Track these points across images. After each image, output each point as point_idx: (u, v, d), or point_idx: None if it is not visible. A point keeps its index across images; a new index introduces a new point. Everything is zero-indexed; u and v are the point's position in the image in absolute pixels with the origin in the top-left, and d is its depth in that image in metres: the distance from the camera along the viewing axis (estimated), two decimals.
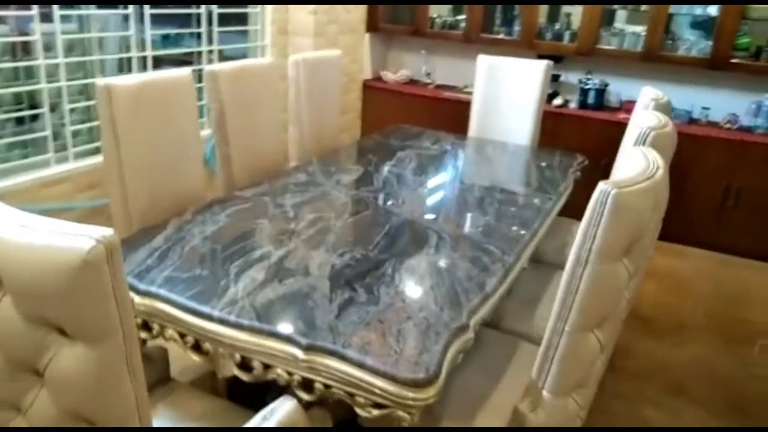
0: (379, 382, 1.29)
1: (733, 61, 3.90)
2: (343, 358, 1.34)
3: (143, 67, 3.12)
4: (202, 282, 1.60)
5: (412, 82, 5.00)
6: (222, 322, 1.45)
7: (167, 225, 1.92)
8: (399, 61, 5.21)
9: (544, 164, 2.93)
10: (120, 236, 2.09)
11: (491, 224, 2.12)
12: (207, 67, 2.42)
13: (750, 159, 3.81)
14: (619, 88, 4.50)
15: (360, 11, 4.68)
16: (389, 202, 2.25)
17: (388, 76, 4.97)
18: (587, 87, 4.44)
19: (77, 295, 0.86)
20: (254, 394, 1.59)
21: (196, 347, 1.53)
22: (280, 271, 1.67)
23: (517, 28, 4.53)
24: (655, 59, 4.08)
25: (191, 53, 3.57)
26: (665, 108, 2.41)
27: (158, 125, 2.13)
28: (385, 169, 2.66)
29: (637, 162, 1.47)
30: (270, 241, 1.86)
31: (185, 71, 2.24)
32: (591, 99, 4.45)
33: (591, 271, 1.34)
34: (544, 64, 3.46)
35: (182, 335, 1.54)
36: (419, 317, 1.49)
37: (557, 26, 4.47)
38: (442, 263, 1.79)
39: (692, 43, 4.08)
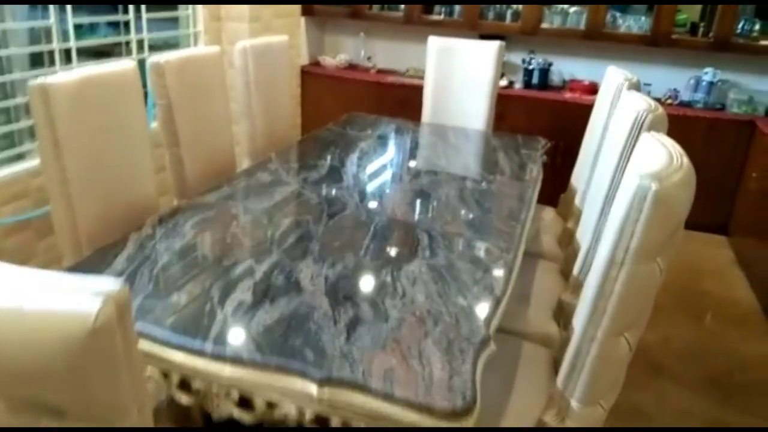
0: (412, 415, 1.14)
1: (673, 37, 3.95)
2: (366, 390, 1.18)
3: (67, 62, 2.78)
4: (182, 310, 1.39)
5: (351, 66, 4.81)
6: (217, 358, 1.25)
7: (127, 242, 1.68)
8: (336, 45, 5.00)
9: (510, 149, 2.84)
10: (69, 254, 1.85)
11: (478, 218, 1.99)
12: (152, 59, 2.15)
13: (691, 134, 3.88)
14: (561, 66, 4.49)
15: None
16: (366, 200, 2.08)
17: (327, 60, 4.75)
18: (531, 67, 4.40)
19: (81, 372, 0.66)
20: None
21: (183, 385, 1.33)
22: (269, 290, 1.48)
23: (458, 8, 4.42)
24: (598, 37, 4.08)
25: (116, 44, 3.23)
26: (636, 88, 2.35)
27: (103, 127, 1.87)
28: (351, 162, 2.48)
29: (657, 151, 1.37)
30: (248, 253, 1.66)
31: (129, 64, 1.98)
32: (535, 79, 4.42)
33: (627, 272, 1.25)
34: (496, 45, 3.37)
35: (165, 374, 1.33)
36: (436, 333, 1.35)
37: (499, 6, 4.39)
38: (442, 267, 1.65)
39: (634, 20, 4.10)
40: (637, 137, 1.72)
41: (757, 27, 3.93)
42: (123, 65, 1.96)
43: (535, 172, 2.51)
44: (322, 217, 1.93)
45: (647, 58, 4.26)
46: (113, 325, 0.65)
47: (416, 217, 1.98)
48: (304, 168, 2.40)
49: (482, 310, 1.45)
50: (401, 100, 4.43)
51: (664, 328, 2.88)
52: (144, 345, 1.30)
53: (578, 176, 2.65)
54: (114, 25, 3.23)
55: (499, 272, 1.64)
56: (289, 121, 3.07)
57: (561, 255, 2.35)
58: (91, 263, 1.58)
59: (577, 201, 2.55)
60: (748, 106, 3.93)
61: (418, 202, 2.12)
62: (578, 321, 1.38)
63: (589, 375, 1.35)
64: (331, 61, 4.75)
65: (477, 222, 1.96)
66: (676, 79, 4.21)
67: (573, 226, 2.52)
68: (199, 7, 3.64)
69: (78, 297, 0.64)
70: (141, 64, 3.27)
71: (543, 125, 4.18)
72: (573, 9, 4.21)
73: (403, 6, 4.47)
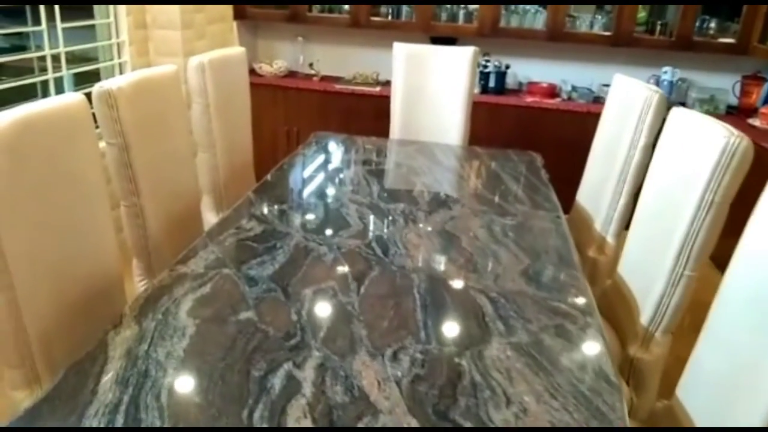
0: None
1: (635, 36, 3.81)
2: None
3: None
4: None
5: (291, 74, 4.35)
6: None
7: (107, 351, 1.21)
8: (271, 51, 4.53)
9: (510, 169, 2.54)
10: (17, 373, 1.32)
11: (531, 267, 1.67)
12: (99, 87, 1.65)
13: None
14: (517, 69, 4.26)
15: None
16: (389, 252, 1.70)
17: (264, 68, 4.27)
18: (487, 70, 4.14)
19: None
20: None
21: None
22: (331, 412, 1.08)
23: (405, 8, 4.08)
24: (560, 38, 3.88)
25: (29, 59, 2.64)
26: (667, 103, 2.11)
27: (45, 183, 1.38)
28: (347, 198, 2.09)
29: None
30: (279, 351, 1.24)
31: (77, 97, 1.48)
32: (492, 82, 4.15)
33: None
34: (471, 50, 3.07)
35: None
36: None
37: (451, 7, 4.09)
38: (530, 347, 1.30)
39: (594, 20, 3.93)
40: (727, 169, 1.46)
41: (713, 25, 3.87)
42: (68, 99, 1.46)
43: (554, 197, 2.22)
44: (348, 283, 1.53)
45: (605, 58, 4.11)
46: None
47: (459, 272, 1.62)
48: (296, 209, 1.98)
49: (605, 403, 1.13)
50: (352, 110, 4.05)
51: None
52: None
53: (595, 199, 2.38)
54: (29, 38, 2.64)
55: (596, 346, 1.32)
56: (250, 149, 2.62)
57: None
58: (65, 396, 1.10)
59: (598, 227, 2.28)
60: (709, 104, 3.87)
61: (450, 249, 1.76)
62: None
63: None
64: (269, 68, 4.27)
65: (532, 273, 1.64)
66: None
67: (596, 254, 2.25)
68: (122, 14, 3.08)
69: None
70: (58, 85, 2.70)
71: (506, 131, 3.94)
72: (531, 8, 3.99)
73: (347, 7, 4.08)
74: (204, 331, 1.29)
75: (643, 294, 1.71)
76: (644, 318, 1.67)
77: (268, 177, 2.29)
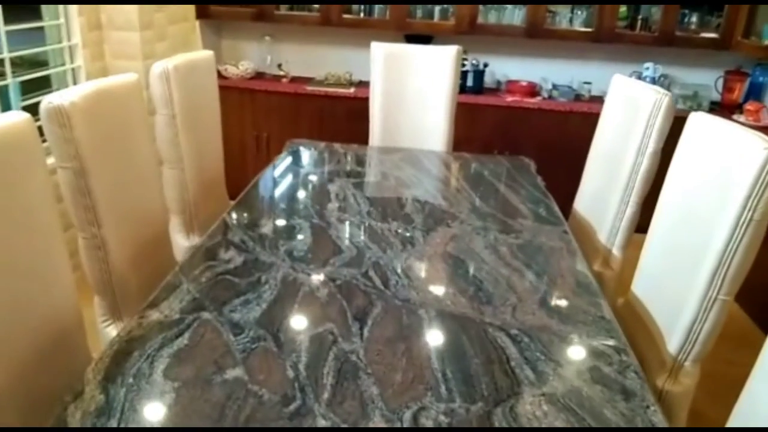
0: None
1: (617, 32, 3.69)
2: None
3: None
4: None
5: (259, 75, 4.11)
6: None
7: (67, 425, 0.99)
8: (236, 51, 4.28)
9: (505, 178, 2.38)
10: None
11: (549, 294, 1.50)
12: (47, 101, 1.41)
13: None
14: (495, 67, 4.11)
15: None
16: (390, 284, 1.51)
17: (230, 70, 4.01)
18: (465, 68, 3.97)
19: None
20: None
21: None
22: None
23: (377, 6, 3.87)
24: (540, 35, 3.73)
25: None
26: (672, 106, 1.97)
27: None
28: (334, 216, 1.89)
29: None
30: (277, 418, 1.04)
31: (21, 116, 1.25)
32: (470, 81, 3.99)
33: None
34: (454, 49, 2.89)
35: None
36: None
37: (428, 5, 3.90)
38: (567, 398, 1.13)
39: (574, 16, 3.80)
40: (767, 187, 1.31)
41: (694, 19, 3.77)
42: (10, 120, 1.23)
43: (556, 209, 2.06)
44: (349, 324, 1.33)
45: (584, 54, 3.99)
46: None
47: (472, 305, 1.44)
48: (279, 233, 1.77)
49: None
50: (325, 113, 3.84)
51: None
52: None
53: (597, 208, 2.22)
54: None
55: (641, 393, 1.16)
56: (221, 161, 2.39)
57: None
58: None
59: (602, 238, 2.13)
60: (693, 101, 3.78)
61: (457, 276, 1.58)
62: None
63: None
64: (235, 70, 4.02)
65: (552, 303, 1.47)
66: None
67: (602, 268, 2.10)
68: (74, 14, 2.80)
69: None
70: (3, 94, 2.44)
71: (487, 133, 3.79)
72: (510, 5, 3.83)
73: (317, 6, 3.85)
74: (185, 399, 1.08)
75: (669, 318, 1.56)
76: (672, 346, 1.52)
77: (243, 195, 2.07)
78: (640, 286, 1.77)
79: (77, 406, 1.05)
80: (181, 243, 2.13)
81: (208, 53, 2.27)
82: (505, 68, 4.13)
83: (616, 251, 2.10)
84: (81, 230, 1.53)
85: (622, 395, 1.15)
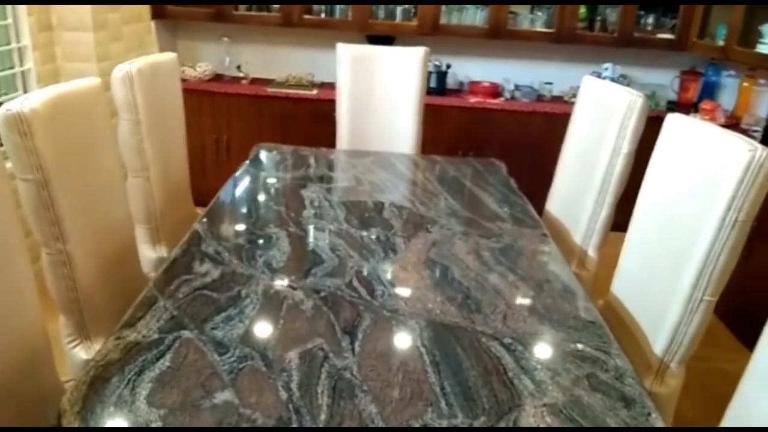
0: None
1: (578, 33, 3.74)
2: None
3: None
4: None
5: (217, 77, 4.00)
6: None
7: None
8: (193, 52, 4.15)
9: (478, 180, 2.36)
10: None
11: (538, 300, 1.48)
12: (8, 110, 1.31)
13: None
14: (457, 68, 4.10)
15: None
16: (376, 293, 1.46)
17: (187, 72, 3.89)
18: (428, 70, 3.95)
19: None
20: None
21: None
22: None
23: (339, 6, 3.82)
24: (502, 35, 3.74)
25: None
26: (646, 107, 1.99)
27: None
28: (311, 224, 1.83)
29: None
30: None
31: None
32: (433, 83, 3.97)
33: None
34: (421, 51, 2.87)
35: None
36: None
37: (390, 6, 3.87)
38: (570, 409, 1.11)
39: (535, 17, 3.83)
40: (752, 186, 1.32)
41: (650, 20, 3.86)
42: None
43: (533, 211, 2.06)
44: (338, 338, 1.28)
45: (544, 55, 4.03)
46: None
47: (462, 313, 1.41)
48: (255, 243, 1.70)
49: None
50: (288, 115, 3.76)
51: None
52: None
53: (570, 210, 2.23)
54: None
55: (639, 399, 1.15)
56: (186, 167, 2.30)
57: None
58: None
59: (577, 240, 2.14)
60: (651, 100, 3.85)
61: (444, 283, 1.54)
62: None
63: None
64: (192, 72, 3.90)
65: (541, 309, 1.45)
66: (575, 77, 4.02)
67: (578, 269, 2.11)
68: (23, 14, 2.65)
69: None
70: None
71: (451, 134, 3.78)
72: (472, 6, 3.83)
73: (277, 6, 3.77)
74: (174, 427, 1.01)
75: (654, 320, 1.56)
76: (658, 348, 1.52)
77: (213, 202, 1.99)
78: (620, 288, 1.77)
79: None
80: (148, 254, 2.04)
81: (172, 55, 2.18)
82: (468, 69, 4.13)
83: (591, 252, 2.10)
84: (45, 246, 1.43)
85: (622, 402, 1.13)
